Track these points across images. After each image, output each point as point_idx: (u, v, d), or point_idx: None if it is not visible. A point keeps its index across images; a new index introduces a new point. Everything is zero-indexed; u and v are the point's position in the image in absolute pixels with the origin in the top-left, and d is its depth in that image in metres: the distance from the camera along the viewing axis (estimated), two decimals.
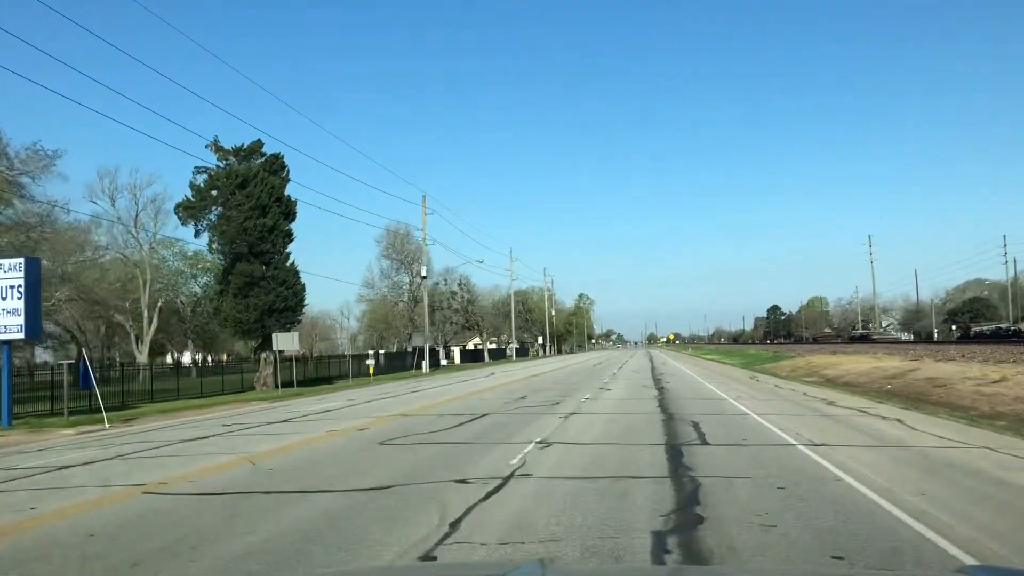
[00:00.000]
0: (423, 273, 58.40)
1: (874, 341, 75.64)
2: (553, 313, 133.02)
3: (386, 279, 68.13)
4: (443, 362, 73.61)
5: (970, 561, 5.67)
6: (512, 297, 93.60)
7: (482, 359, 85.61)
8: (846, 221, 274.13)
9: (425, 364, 57.00)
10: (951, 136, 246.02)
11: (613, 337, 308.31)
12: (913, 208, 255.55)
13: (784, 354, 70.58)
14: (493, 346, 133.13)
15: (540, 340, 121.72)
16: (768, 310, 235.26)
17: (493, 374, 46.82)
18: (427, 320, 59.45)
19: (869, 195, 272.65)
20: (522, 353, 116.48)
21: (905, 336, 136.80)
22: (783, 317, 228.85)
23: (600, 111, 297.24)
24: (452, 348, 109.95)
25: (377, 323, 74.52)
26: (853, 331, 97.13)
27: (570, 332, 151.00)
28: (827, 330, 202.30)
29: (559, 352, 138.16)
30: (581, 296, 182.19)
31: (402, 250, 66.15)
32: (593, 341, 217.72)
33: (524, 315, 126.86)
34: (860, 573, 5.35)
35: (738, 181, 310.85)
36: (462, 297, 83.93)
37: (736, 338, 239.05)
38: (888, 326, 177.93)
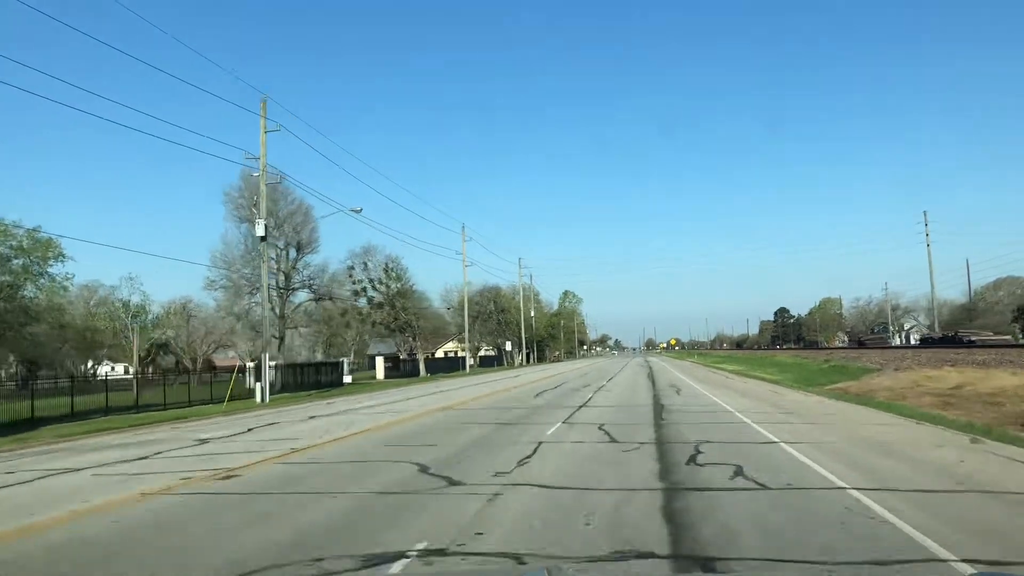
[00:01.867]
0: (259, 230, 32.81)
1: (972, 344, 50.07)
2: (532, 314, 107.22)
3: (249, 254, 42.55)
4: (347, 379, 48.07)
5: None
6: (465, 291, 67.67)
7: (417, 373, 59.85)
8: (857, 219, 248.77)
9: (261, 390, 31.50)
10: (960, 129, 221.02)
11: (610, 343, 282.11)
12: (925, 203, 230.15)
13: (848, 365, 45.11)
14: (464, 354, 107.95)
15: (509, 346, 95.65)
16: (775, 313, 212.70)
17: (272, 425, 21.18)
18: (266, 311, 33.88)
19: (878, 193, 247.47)
20: (489, 363, 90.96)
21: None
22: (791, 320, 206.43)
23: (593, 107, 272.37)
24: (417, 356, 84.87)
25: (226, 321, 49.28)
26: (929, 332, 70.82)
27: (553, 336, 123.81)
28: (841, 333, 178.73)
29: (540, 360, 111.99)
30: (566, 293, 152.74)
31: (269, 210, 40.82)
32: (585, 347, 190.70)
33: (496, 316, 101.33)
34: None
35: (741, 182, 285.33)
36: (388, 287, 58.37)
37: (740, 343, 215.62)
38: (912, 328, 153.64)
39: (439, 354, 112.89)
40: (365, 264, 56.99)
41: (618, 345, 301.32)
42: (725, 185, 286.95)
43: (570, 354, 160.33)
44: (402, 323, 57.96)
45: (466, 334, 67.37)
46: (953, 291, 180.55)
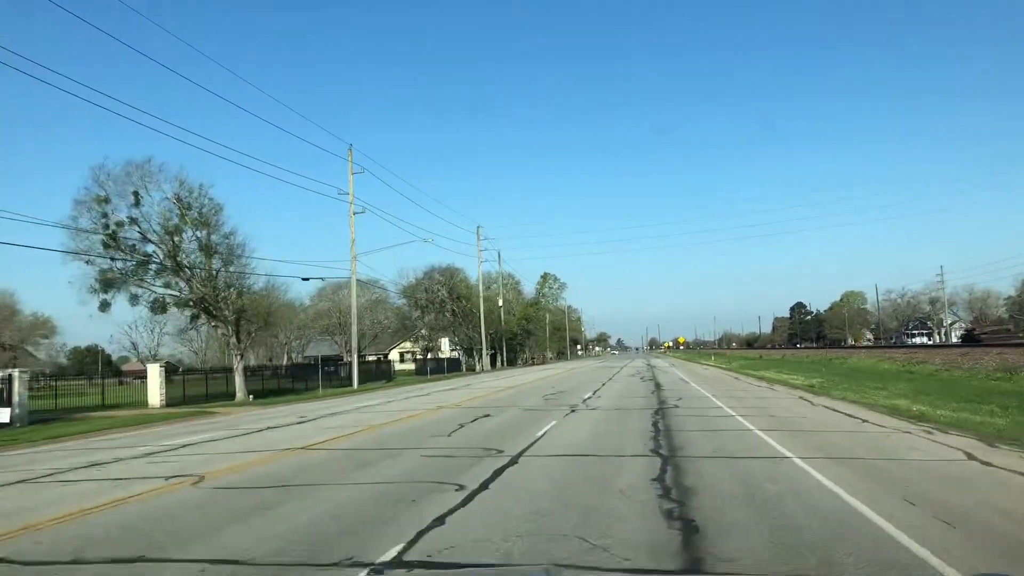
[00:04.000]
0: None
1: None
2: (501, 303, 79.56)
3: None
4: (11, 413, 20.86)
5: None
6: (352, 249, 39.22)
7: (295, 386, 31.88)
8: (869, 214, 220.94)
9: None
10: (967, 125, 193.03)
11: (611, 341, 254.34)
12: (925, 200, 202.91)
13: None
14: (417, 356, 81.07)
15: (445, 346, 67.75)
16: (791, 308, 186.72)
17: None
18: None
19: (887, 191, 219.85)
20: (434, 370, 63.19)
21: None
22: (808, 317, 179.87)
23: (587, 106, 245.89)
24: (368, 356, 57.05)
25: None
26: None
27: (530, 332, 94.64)
28: (866, 331, 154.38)
29: (509, 364, 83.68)
30: (545, 277, 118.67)
31: None
32: (580, 347, 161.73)
33: (451, 306, 73.79)
34: None
35: (743, 179, 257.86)
36: (171, 235, 30.80)
37: (750, 342, 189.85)
38: (954, 323, 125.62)
39: (393, 355, 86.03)
40: (137, 196, 29.52)
41: (620, 344, 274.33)
42: (727, 182, 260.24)
43: (562, 355, 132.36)
44: (199, 298, 30.34)
45: (353, 323, 39.37)
46: (987, 281, 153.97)
